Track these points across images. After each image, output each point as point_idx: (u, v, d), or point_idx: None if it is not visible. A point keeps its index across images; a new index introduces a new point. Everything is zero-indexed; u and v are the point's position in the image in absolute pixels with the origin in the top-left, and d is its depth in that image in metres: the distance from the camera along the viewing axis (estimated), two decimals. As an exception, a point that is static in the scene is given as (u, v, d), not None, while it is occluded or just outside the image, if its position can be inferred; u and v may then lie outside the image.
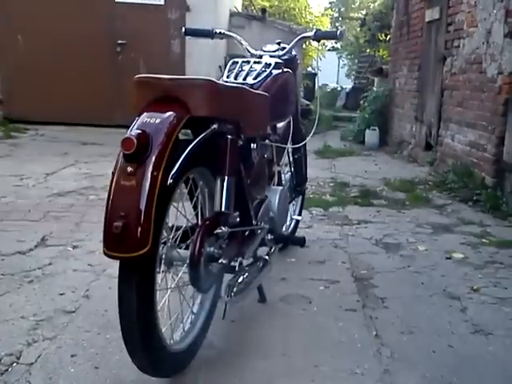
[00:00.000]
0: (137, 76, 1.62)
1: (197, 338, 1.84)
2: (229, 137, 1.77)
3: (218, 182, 1.78)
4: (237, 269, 1.83)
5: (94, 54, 7.44)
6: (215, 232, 1.71)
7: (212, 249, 1.69)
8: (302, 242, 2.27)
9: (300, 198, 3.05)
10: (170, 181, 1.45)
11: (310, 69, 12.82)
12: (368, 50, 12.58)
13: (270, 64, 2.28)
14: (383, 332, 2.12)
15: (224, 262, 1.72)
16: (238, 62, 2.29)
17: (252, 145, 1.98)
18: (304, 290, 2.47)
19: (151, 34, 7.52)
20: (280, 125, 2.49)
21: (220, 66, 7.79)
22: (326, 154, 6.41)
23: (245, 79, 2.16)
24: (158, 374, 1.69)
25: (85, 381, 1.75)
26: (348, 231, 3.38)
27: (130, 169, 1.43)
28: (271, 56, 2.41)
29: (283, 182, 2.59)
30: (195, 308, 1.90)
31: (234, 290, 1.78)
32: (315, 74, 12.13)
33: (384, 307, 2.34)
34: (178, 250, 1.69)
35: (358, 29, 14.09)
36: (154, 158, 1.44)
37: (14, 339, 1.96)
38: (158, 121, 1.51)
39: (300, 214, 3.07)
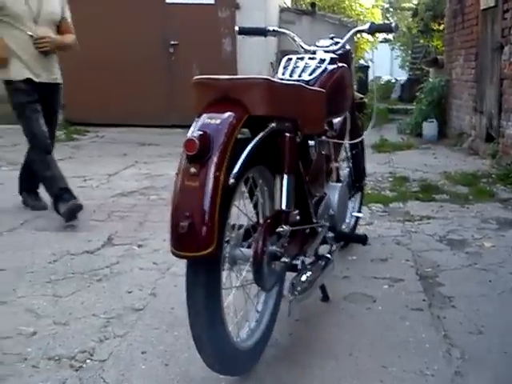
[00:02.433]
0: (195, 77, 1.64)
1: (262, 335, 1.85)
2: (287, 135, 1.77)
3: (278, 180, 1.78)
4: (299, 267, 1.83)
5: (148, 56, 7.59)
6: (277, 230, 1.71)
7: (274, 247, 1.69)
8: (363, 240, 2.24)
9: (359, 194, 3.01)
10: (231, 181, 1.47)
11: (362, 61, 12.62)
12: (421, 41, 12.28)
13: (324, 59, 2.27)
14: (452, 332, 2.07)
15: (286, 260, 1.72)
16: (292, 59, 2.29)
17: (310, 142, 1.97)
18: (367, 288, 2.45)
19: (202, 33, 7.59)
20: (336, 120, 2.47)
21: (271, 63, 7.79)
22: (383, 148, 6.31)
23: (300, 76, 2.15)
24: (225, 371, 1.71)
25: (156, 378, 1.80)
26: (410, 227, 3.32)
27: (193, 170, 1.45)
28: (325, 51, 2.40)
29: (341, 179, 2.56)
30: (259, 306, 1.91)
31: (298, 288, 1.78)
32: (368, 67, 11.94)
33: (451, 306, 2.28)
34: (241, 249, 1.70)
35: (410, 19, 13.77)
36: (215, 159, 1.46)
37: (86, 337, 2.03)
38: (218, 121, 1.52)
39: (360, 211, 3.04)
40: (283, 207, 1.77)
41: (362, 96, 9.48)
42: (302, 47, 2.50)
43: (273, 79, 1.64)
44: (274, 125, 1.66)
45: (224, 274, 1.64)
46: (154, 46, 7.64)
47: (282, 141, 1.77)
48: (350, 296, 2.38)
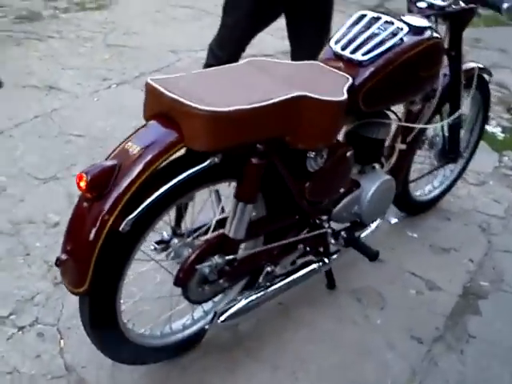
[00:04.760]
0: (150, 78, 1.39)
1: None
2: (252, 161, 1.47)
3: (233, 202, 1.54)
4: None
5: None
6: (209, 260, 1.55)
7: (206, 270, 1.55)
8: (371, 256, 1.89)
9: (457, 166, 2.54)
10: (123, 227, 1.29)
11: None
12: None
13: (401, 29, 1.72)
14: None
15: (223, 285, 1.63)
16: (364, 17, 1.77)
17: (309, 153, 1.61)
18: (388, 285, 2.14)
19: None
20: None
21: None
22: None
23: (356, 50, 1.68)
24: None
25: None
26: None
27: (85, 204, 1.31)
28: (425, 14, 1.81)
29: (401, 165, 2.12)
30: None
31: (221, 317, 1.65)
32: None
33: None
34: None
35: None
36: (110, 199, 1.28)
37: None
38: (138, 147, 1.31)
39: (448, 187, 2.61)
40: (231, 235, 1.55)
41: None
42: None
43: (217, 109, 1.30)
44: (216, 159, 1.37)
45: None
46: None
47: (244, 167, 1.49)
48: (360, 290, 2.14)
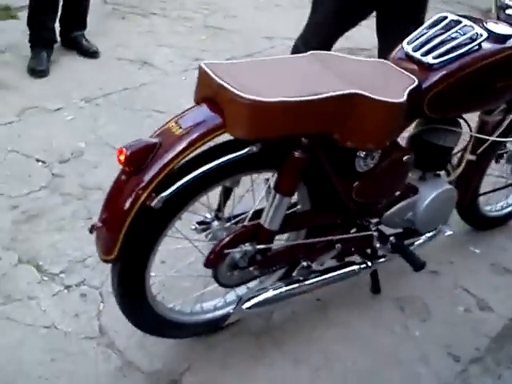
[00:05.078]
0: (204, 62, 1.42)
1: None
2: (295, 153, 1.46)
3: (271, 194, 1.54)
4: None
5: None
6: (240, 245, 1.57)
7: (238, 256, 1.57)
8: (417, 266, 1.81)
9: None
10: (155, 203, 1.34)
11: None
12: None
13: (481, 35, 1.62)
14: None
15: (255, 273, 1.64)
16: (445, 19, 1.69)
17: (359, 153, 1.58)
18: (438, 299, 2.07)
19: None
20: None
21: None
22: None
23: (429, 53, 1.61)
24: None
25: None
26: None
27: (123, 176, 1.38)
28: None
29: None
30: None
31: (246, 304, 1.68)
32: None
33: None
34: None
35: None
36: (146, 174, 1.33)
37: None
38: (181, 128, 1.36)
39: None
40: (265, 225, 1.56)
41: None
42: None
43: (257, 98, 1.29)
44: (254, 148, 1.39)
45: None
46: None
47: (286, 159, 1.49)
48: (405, 299, 2.07)
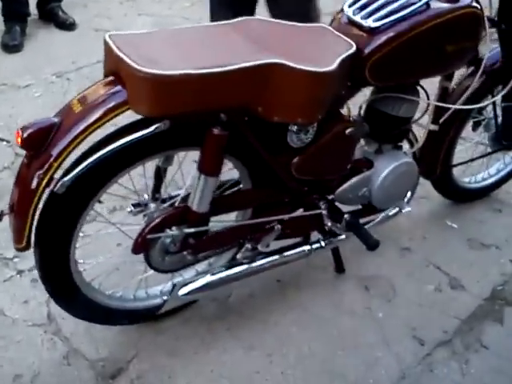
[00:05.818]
0: (110, 33, 1.31)
1: None
2: (213, 130, 1.36)
3: (196, 175, 1.45)
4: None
5: None
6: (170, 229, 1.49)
7: (167, 241, 1.51)
8: (371, 245, 1.70)
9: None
10: (58, 187, 1.27)
11: None
12: None
13: None
14: None
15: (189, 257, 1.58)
16: None
17: (291, 127, 1.46)
18: (406, 278, 1.97)
19: None
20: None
21: None
22: None
23: (370, 15, 1.48)
24: None
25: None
26: None
27: (25, 159, 1.30)
28: None
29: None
30: None
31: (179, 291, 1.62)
32: None
33: None
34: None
35: None
36: (45, 157, 1.25)
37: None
38: (82, 106, 1.27)
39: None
40: (193, 207, 1.48)
41: None
42: None
43: (157, 72, 1.19)
44: (161, 125, 1.29)
45: None
46: None
47: (205, 137, 1.39)
48: (370, 278, 1.98)
